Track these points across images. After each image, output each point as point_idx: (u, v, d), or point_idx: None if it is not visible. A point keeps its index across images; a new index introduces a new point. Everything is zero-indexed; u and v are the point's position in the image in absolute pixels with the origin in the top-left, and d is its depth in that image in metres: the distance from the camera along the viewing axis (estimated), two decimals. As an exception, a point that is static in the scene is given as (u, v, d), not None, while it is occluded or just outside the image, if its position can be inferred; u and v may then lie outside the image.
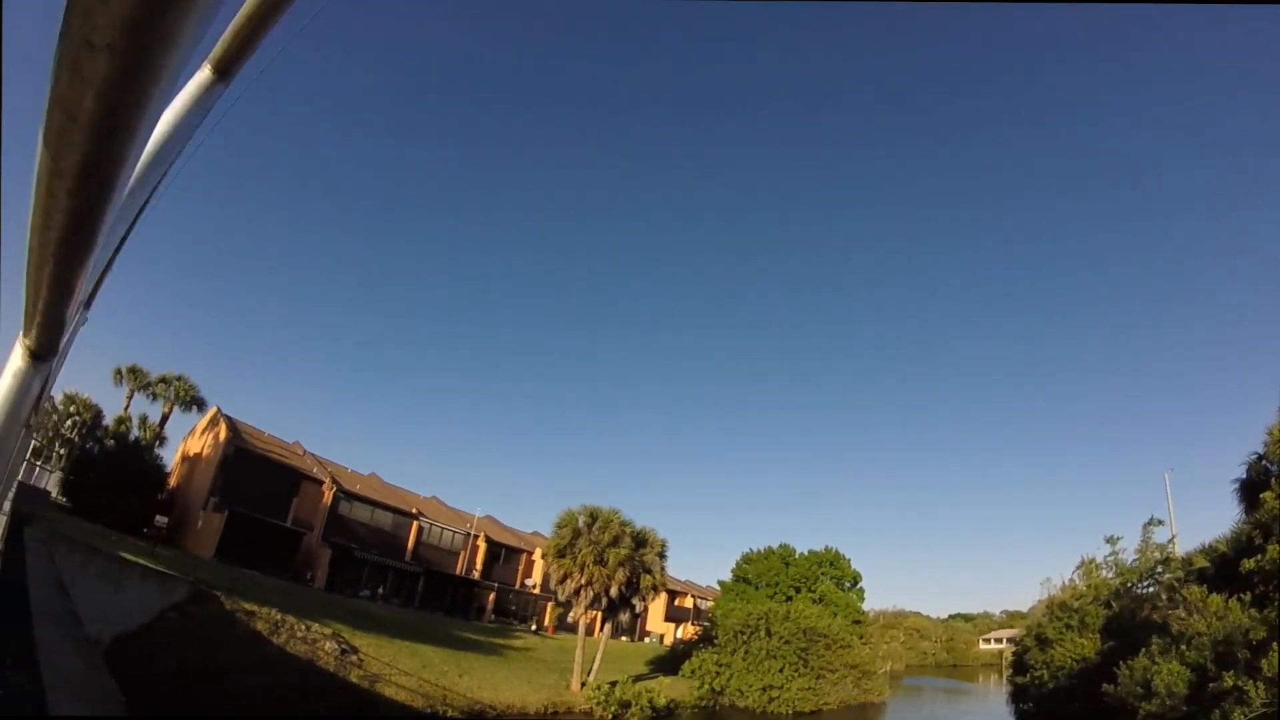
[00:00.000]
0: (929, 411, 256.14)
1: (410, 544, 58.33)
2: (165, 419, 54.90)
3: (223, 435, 50.57)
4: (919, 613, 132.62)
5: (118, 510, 40.50)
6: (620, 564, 38.06)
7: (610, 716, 34.45)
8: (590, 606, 38.65)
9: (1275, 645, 12.85)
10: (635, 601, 40.10)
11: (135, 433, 51.80)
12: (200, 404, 55.89)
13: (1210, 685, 16.21)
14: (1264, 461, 23.85)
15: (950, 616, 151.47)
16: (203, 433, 54.98)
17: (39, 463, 45.40)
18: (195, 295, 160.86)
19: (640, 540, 40.23)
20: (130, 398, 54.58)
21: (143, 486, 44.94)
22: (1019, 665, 51.78)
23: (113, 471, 43.51)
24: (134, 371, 54.54)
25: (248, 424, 55.25)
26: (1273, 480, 20.34)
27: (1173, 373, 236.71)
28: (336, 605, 36.71)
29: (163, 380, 55.06)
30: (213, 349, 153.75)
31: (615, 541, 38.85)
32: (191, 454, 54.84)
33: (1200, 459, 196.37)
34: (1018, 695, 49.52)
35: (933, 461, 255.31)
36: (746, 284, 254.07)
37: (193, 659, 21.69)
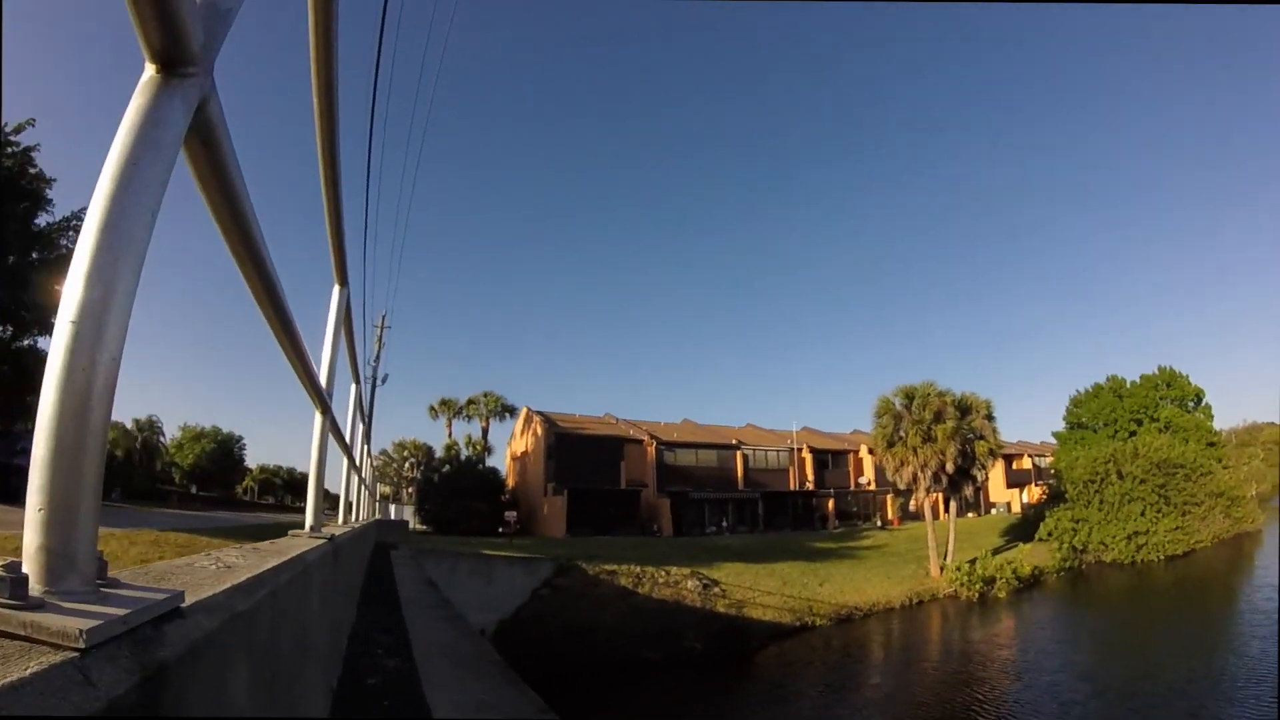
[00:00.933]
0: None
1: (739, 473, 60.92)
2: (485, 432, 62.32)
3: (540, 429, 56.38)
4: (1273, 422, 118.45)
5: (471, 519, 46.47)
6: (949, 437, 37.65)
7: (976, 595, 34.58)
8: (930, 488, 38.64)
9: None
10: (975, 473, 39.64)
11: (465, 451, 59.13)
12: (510, 410, 63.04)
13: None
14: None
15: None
16: (522, 433, 62.05)
17: (393, 504, 53.66)
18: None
19: (964, 408, 39.47)
20: (450, 425, 62.63)
21: (487, 493, 51.48)
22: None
23: (457, 488, 50.14)
24: (445, 403, 63.12)
25: (556, 412, 60.66)
26: None
27: None
28: (687, 547, 38.84)
29: (471, 402, 62.89)
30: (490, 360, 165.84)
31: (939, 416, 38.41)
32: (519, 454, 61.91)
33: None
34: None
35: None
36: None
37: (568, 623, 24.72)
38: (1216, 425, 60.55)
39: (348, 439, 6.70)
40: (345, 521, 9.34)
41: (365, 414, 37.04)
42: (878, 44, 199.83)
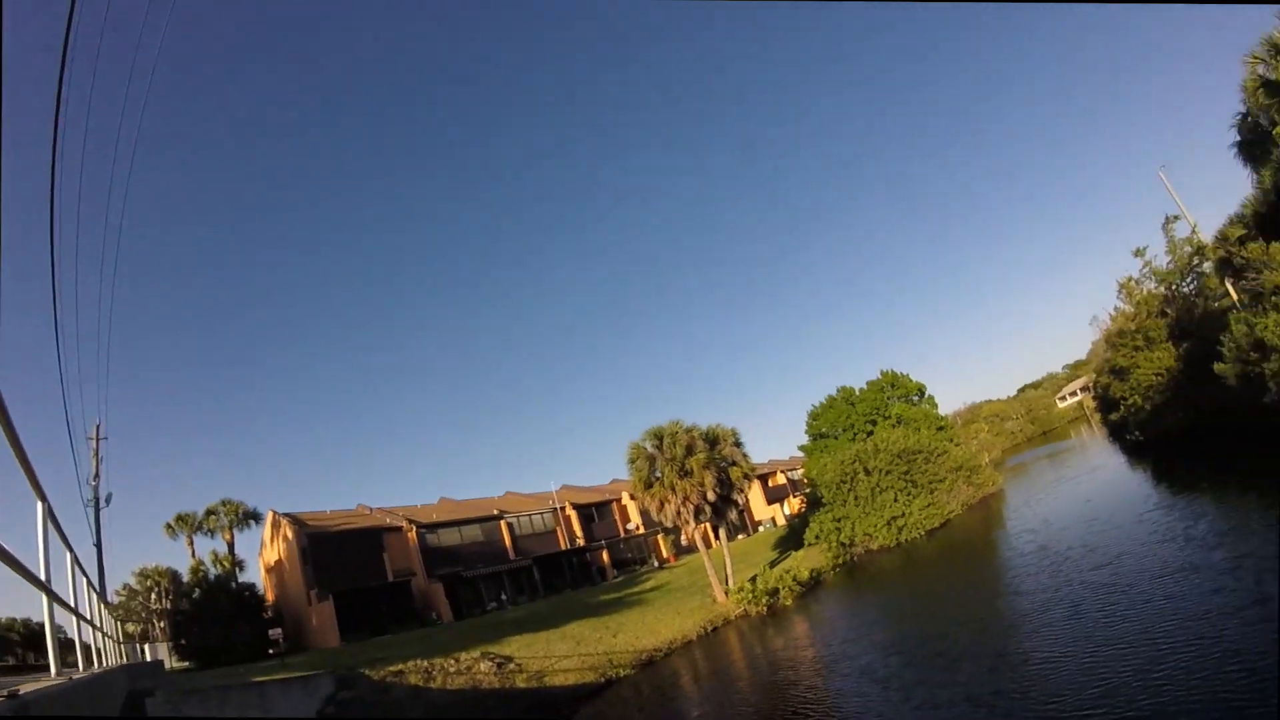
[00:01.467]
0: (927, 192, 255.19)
1: (508, 543, 59.66)
2: (231, 545, 56.24)
3: (290, 533, 51.78)
4: (990, 399, 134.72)
5: (235, 646, 42.07)
6: (704, 468, 38.46)
7: (765, 609, 35.68)
8: (696, 520, 39.17)
9: None
10: (735, 497, 40.51)
11: (213, 570, 53.32)
12: (254, 516, 57.02)
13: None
14: (1249, 117, 24.70)
15: (1020, 390, 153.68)
16: (272, 541, 56.54)
17: (144, 645, 47.36)
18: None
19: (712, 439, 40.45)
20: (191, 542, 56.18)
21: (246, 613, 46.40)
22: (1106, 404, 53.47)
23: (213, 614, 44.91)
24: (181, 518, 55.95)
25: (305, 511, 56.53)
26: (1267, 117, 21.07)
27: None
28: (471, 628, 37.63)
29: (210, 513, 56.30)
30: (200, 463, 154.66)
31: (690, 450, 39.17)
32: (273, 563, 56.31)
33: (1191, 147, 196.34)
34: (1116, 430, 51.48)
35: (933, 245, 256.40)
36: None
37: (362, 736, 22.58)
38: (942, 411, 66.45)
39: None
40: (60, 673, 7.71)
41: (96, 543, 32.59)
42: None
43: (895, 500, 47.35)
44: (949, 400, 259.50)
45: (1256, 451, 24.58)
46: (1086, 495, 36.63)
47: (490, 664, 28.00)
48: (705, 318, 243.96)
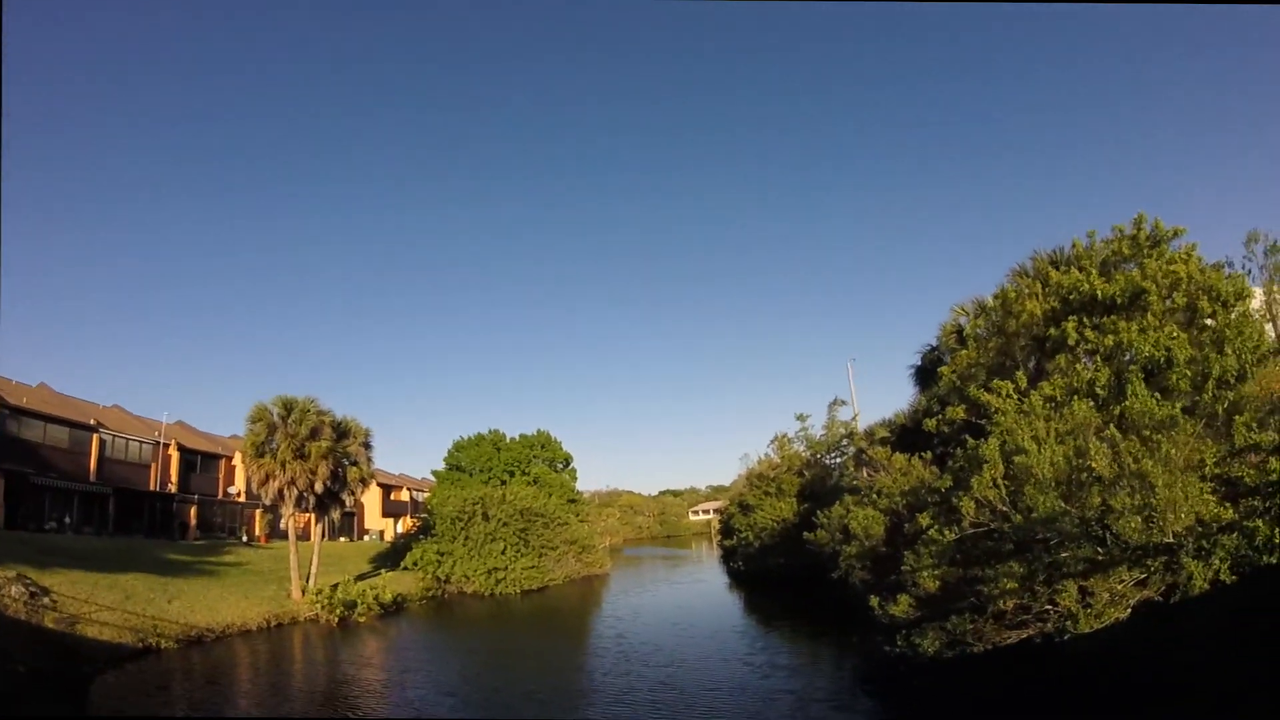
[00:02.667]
0: (630, 300, 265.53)
1: (94, 462, 52.08)
2: None
3: None
4: (631, 490, 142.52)
5: None
6: (323, 457, 36.67)
7: (337, 619, 34.34)
8: (298, 507, 37.19)
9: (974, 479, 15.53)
10: (344, 497, 39.02)
11: None
12: None
13: (906, 526, 19.53)
14: (936, 351, 28.42)
15: (661, 492, 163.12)
16: None
17: None
18: None
19: (342, 431, 38.94)
20: None
21: None
22: (726, 530, 58.48)
23: None
24: None
25: None
26: (948, 358, 24.26)
27: (854, 272, 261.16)
28: (19, 543, 32.99)
29: None
30: None
31: (315, 434, 37.27)
32: None
33: (874, 355, 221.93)
34: (728, 556, 56.22)
35: (638, 349, 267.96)
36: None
37: None
38: (582, 487, 69.36)
39: None
40: None
41: None
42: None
43: (503, 552, 48.27)
44: (597, 476, 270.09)
45: (830, 610, 27.73)
46: (683, 602, 39.67)
47: (23, 590, 24.43)
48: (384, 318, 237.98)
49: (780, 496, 44.24)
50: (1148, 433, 13.12)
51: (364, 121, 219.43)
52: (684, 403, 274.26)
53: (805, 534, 30.37)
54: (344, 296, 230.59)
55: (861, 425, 40.00)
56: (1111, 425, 14.09)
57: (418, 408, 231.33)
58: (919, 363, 30.61)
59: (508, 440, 69.39)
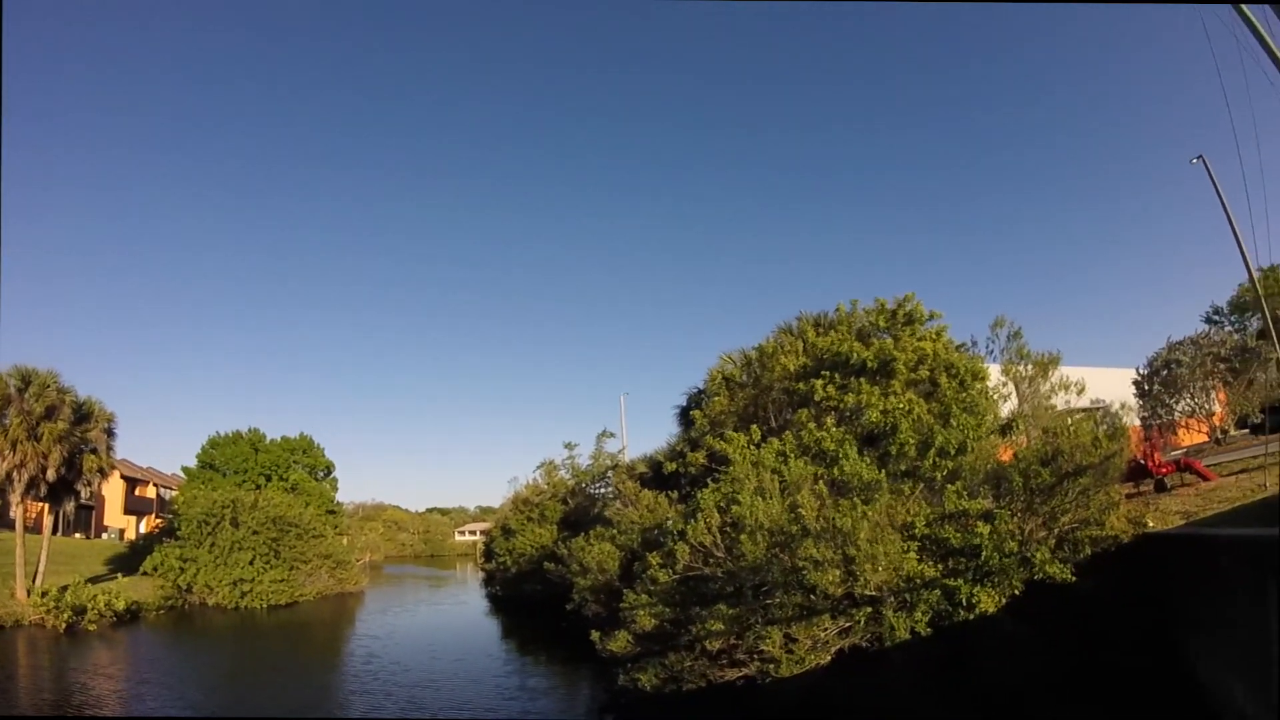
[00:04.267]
0: (407, 314, 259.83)
1: None
2: None
3: None
4: (397, 505, 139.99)
5: None
6: (59, 440, 34.41)
7: (64, 625, 32.47)
8: (28, 493, 34.57)
9: (689, 525, 17.35)
10: (80, 488, 36.20)
11: None
12: None
13: (635, 564, 21.25)
14: (701, 394, 30.81)
15: (428, 510, 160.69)
16: None
17: None
18: None
19: (83, 413, 36.48)
20: None
21: None
22: (489, 553, 59.14)
23: None
24: None
25: None
26: (704, 404, 26.54)
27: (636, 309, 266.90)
28: None
29: None
30: None
31: (52, 412, 34.88)
32: None
33: (648, 390, 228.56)
34: (488, 580, 56.92)
35: (415, 360, 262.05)
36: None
37: None
38: (346, 499, 68.01)
39: None
40: None
41: None
42: None
43: (251, 563, 46.77)
44: (361, 487, 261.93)
45: (579, 639, 29.32)
46: (440, 624, 40.50)
47: None
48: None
49: (542, 523, 45.51)
50: (854, 495, 15.53)
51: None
52: (459, 419, 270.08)
53: (546, 564, 32.42)
54: (96, 256, 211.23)
55: (630, 457, 41.94)
56: (821, 482, 16.41)
57: (173, 395, 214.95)
58: (684, 403, 33.06)
59: (267, 442, 67.20)
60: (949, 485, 15.99)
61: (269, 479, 63.47)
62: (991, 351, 29.01)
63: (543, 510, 46.78)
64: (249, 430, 67.37)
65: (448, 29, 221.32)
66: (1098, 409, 35.93)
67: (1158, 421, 37.79)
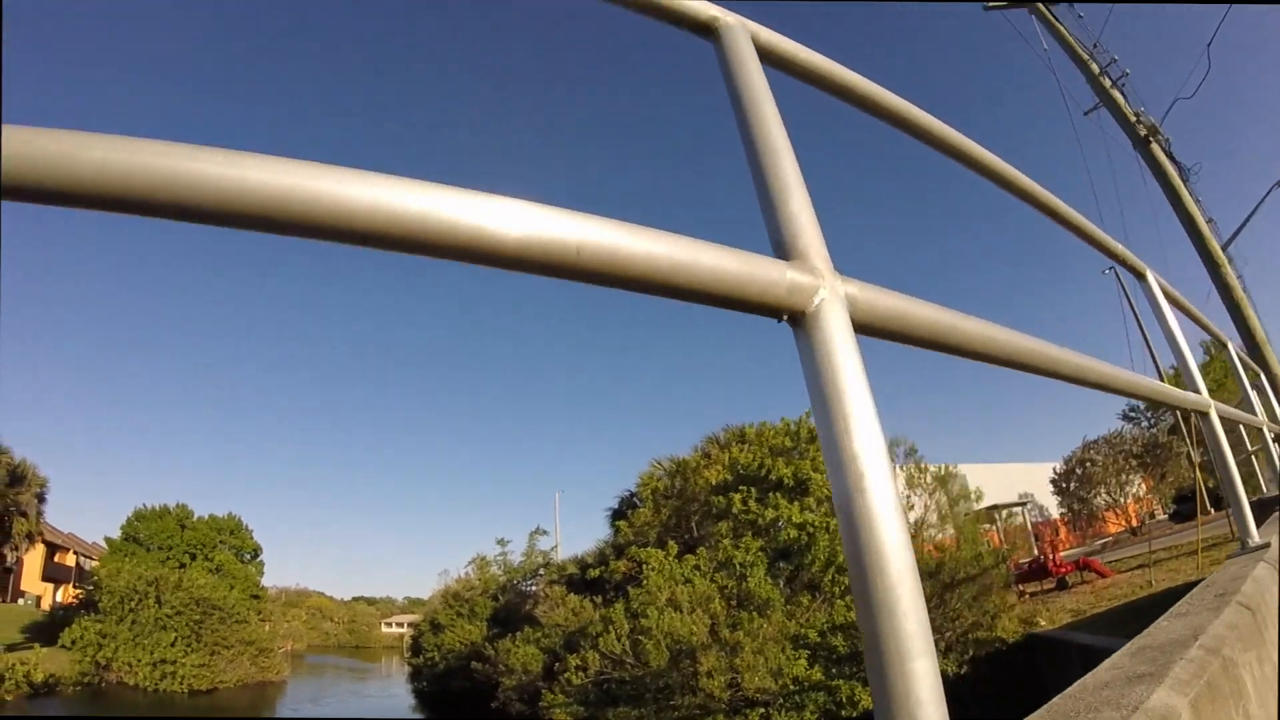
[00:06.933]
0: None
1: None
2: None
3: None
4: (322, 593, 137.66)
5: None
6: None
7: None
8: None
9: (602, 636, 19.25)
10: (6, 551, 36.82)
11: None
12: None
13: (557, 665, 22.94)
14: (634, 496, 32.79)
15: (354, 598, 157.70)
16: None
17: None
18: None
19: (17, 475, 37.33)
20: None
21: None
22: (416, 648, 59.02)
23: None
24: None
25: None
26: (629, 514, 28.60)
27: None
28: None
29: None
30: None
31: None
32: None
33: (583, 491, 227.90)
34: (415, 675, 56.90)
35: (342, 441, 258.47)
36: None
37: None
38: (268, 583, 67.77)
39: None
40: None
41: None
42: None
43: (174, 644, 46.54)
44: (286, 570, 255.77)
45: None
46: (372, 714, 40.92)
47: None
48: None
49: (472, 619, 46.00)
50: (752, 610, 17.70)
51: None
52: (390, 506, 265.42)
53: (474, 663, 33.51)
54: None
55: (562, 555, 43.34)
56: (728, 595, 18.57)
57: (97, 458, 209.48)
58: (616, 506, 35.05)
59: (195, 519, 66.88)
60: (837, 600, 18.16)
61: (194, 558, 62.89)
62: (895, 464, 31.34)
63: (473, 606, 47.40)
64: (176, 506, 66.96)
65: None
66: (1025, 503, 39.11)
67: (1075, 515, 41.96)
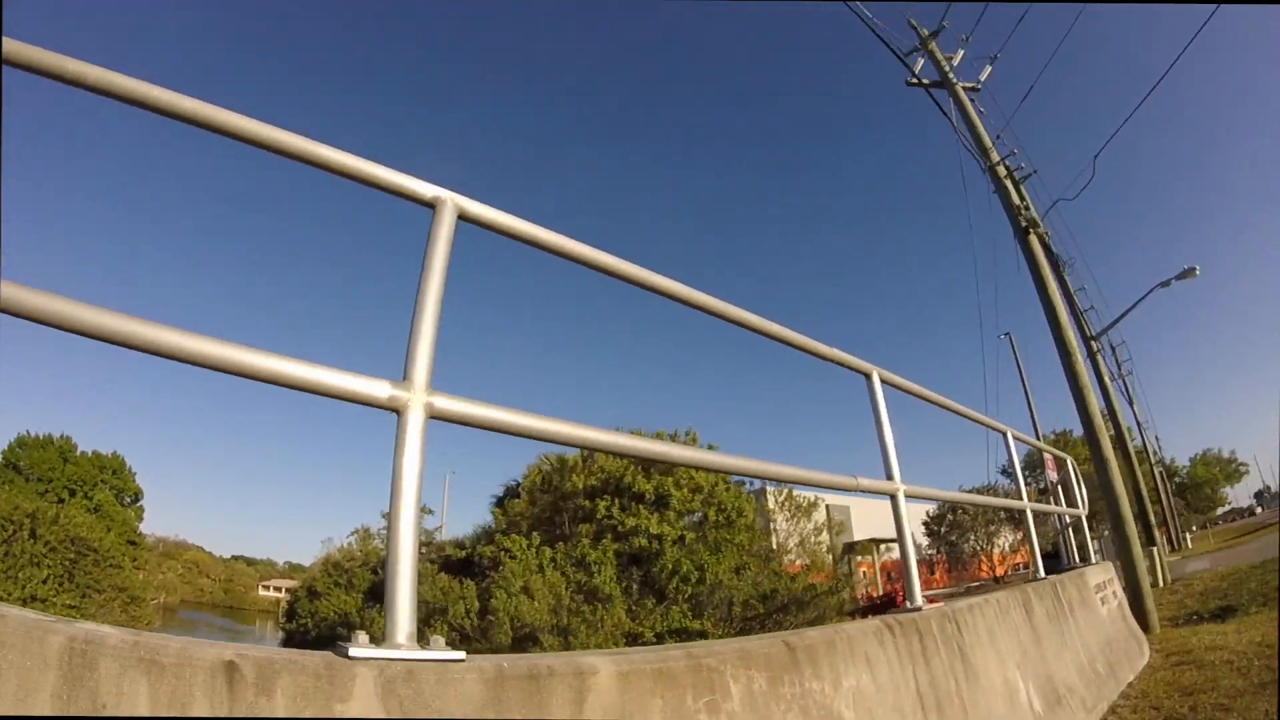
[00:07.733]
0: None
1: None
2: None
3: None
4: (201, 547, 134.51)
5: None
6: None
7: None
8: None
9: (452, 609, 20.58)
10: None
11: None
12: None
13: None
14: (518, 486, 34.20)
15: (233, 557, 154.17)
16: None
17: None
18: None
19: None
20: None
21: None
22: (290, 613, 58.72)
23: None
24: None
25: None
26: (507, 503, 30.05)
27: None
28: None
29: None
30: None
31: None
32: None
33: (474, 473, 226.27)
34: (287, 641, 56.57)
35: (230, 392, 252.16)
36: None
37: None
38: (147, 530, 65.99)
39: None
40: None
41: None
42: None
43: (45, 582, 44.42)
44: (167, 519, 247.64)
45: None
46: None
47: None
48: None
49: (349, 590, 46.73)
50: (596, 604, 19.37)
51: None
52: (281, 465, 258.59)
53: (340, 629, 34.20)
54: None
55: (447, 535, 44.12)
56: (564, 589, 20.20)
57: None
58: (501, 493, 36.17)
59: (78, 454, 64.69)
60: (674, 606, 19.90)
61: (73, 494, 61.34)
62: (762, 487, 32.99)
63: (350, 577, 48.12)
64: (61, 437, 64.67)
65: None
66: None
67: (949, 558, 47.94)
